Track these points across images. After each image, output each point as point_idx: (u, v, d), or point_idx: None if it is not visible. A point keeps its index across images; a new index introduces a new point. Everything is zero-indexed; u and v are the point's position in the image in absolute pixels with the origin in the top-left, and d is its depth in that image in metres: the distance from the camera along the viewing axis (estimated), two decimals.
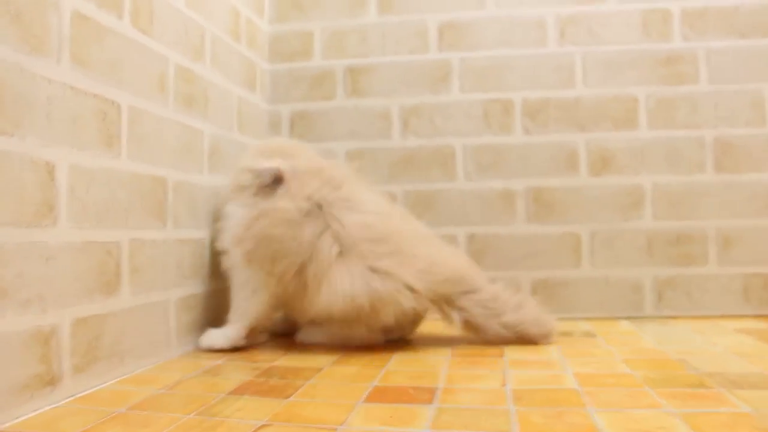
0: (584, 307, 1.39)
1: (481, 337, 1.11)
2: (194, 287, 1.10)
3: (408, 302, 1.03)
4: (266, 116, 1.52)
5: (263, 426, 0.66)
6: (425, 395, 0.78)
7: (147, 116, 0.96)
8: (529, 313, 1.12)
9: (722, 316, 1.36)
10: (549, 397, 0.76)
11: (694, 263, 1.37)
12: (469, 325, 1.10)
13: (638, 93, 1.40)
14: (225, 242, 1.09)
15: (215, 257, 1.14)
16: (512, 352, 1.04)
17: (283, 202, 1.05)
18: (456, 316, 1.09)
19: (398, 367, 0.94)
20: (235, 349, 1.07)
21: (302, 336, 1.15)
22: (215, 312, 1.17)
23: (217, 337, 1.08)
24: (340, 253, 1.04)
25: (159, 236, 0.99)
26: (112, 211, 0.87)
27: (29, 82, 0.72)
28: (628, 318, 1.37)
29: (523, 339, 1.10)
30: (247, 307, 1.08)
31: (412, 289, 1.03)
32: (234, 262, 1.08)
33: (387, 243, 1.06)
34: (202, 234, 1.12)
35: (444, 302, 1.09)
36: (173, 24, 1.04)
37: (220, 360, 1.00)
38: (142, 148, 0.95)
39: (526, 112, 1.43)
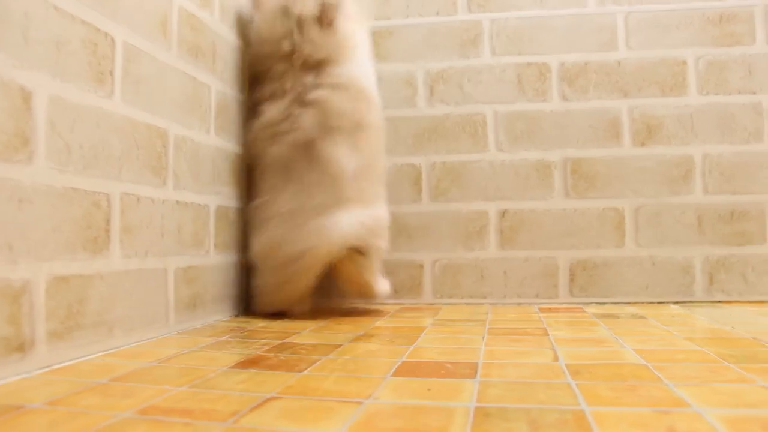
0: (627, 290, 1.26)
1: None
2: (196, 258, 0.98)
3: None
4: None
5: (272, 398, 0.54)
6: (465, 370, 0.66)
7: (146, 58, 0.85)
8: None
9: None
10: (613, 371, 0.64)
11: (750, 242, 1.24)
12: None
13: (687, 55, 1.28)
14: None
15: (220, 226, 1.03)
16: (556, 331, 0.91)
17: None
18: None
19: (428, 344, 0.82)
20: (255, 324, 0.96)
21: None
22: (220, 288, 1.05)
23: None
24: None
25: (157, 195, 0.87)
26: (102, 158, 0.75)
27: None
28: (676, 302, 1.24)
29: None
30: None
31: None
32: None
33: None
34: (205, 200, 1.01)
35: None
36: None
37: (225, 336, 0.88)
38: (140, 93, 0.83)
39: (563, 77, 1.31)
